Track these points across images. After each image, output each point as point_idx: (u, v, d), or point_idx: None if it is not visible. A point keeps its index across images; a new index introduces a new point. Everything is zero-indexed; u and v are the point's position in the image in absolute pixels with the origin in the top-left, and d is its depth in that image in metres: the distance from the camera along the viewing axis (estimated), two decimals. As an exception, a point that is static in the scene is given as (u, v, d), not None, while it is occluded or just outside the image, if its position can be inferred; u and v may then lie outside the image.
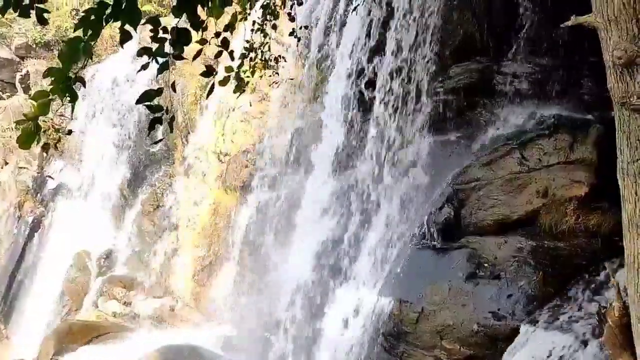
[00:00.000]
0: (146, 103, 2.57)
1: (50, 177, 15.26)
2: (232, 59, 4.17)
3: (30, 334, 13.52)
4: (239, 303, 10.75)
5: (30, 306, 14.50)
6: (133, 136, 14.43)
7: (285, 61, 7.32)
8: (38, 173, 15.79)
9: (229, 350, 10.31)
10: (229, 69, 4.22)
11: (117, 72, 14.75)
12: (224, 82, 3.82)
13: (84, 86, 2.36)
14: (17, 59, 16.98)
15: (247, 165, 11.49)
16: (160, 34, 2.57)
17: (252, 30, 6.33)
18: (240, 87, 4.84)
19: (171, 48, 2.55)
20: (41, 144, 2.39)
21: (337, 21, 9.24)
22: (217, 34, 3.80)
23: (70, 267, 13.96)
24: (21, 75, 16.63)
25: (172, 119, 2.93)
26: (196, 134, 12.85)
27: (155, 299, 12.67)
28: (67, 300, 13.57)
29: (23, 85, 16.53)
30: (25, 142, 2.19)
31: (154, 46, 2.58)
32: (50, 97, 2.18)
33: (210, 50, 3.93)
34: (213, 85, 3.55)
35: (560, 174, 5.74)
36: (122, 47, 2.37)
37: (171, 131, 2.95)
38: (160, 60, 2.68)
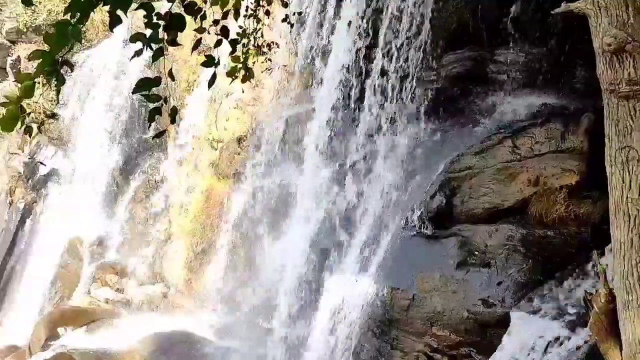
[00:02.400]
0: (143, 92, 2.52)
1: (41, 163, 15.16)
2: (234, 48, 4.10)
3: (22, 320, 13.52)
4: (231, 290, 10.78)
5: (22, 292, 14.49)
6: (125, 122, 14.35)
7: (278, 47, 7.29)
8: (29, 159, 15.70)
9: (222, 336, 10.35)
10: (236, 59, 4.16)
11: (109, 57, 14.63)
12: (231, 72, 3.77)
13: (72, 70, 2.33)
14: (8, 44, 16.81)
15: (240, 152, 11.46)
16: (154, 20, 2.52)
17: (245, 16, 6.28)
18: (249, 77, 4.78)
19: (165, 34, 2.51)
20: (24, 126, 2.35)
21: (331, 7, 9.18)
22: (216, 22, 3.74)
23: (63, 254, 13.94)
24: (12, 59, 16.48)
25: (174, 110, 2.89)
26: (189, 121, 12.80)
27: (147, 286, 12.69)
28: (59, 287, 13.57)
29: (14, 70, 16.37)
30: (7, 124, 2.15)
31: (148, 32, 2.54)
32: (35, 80, 2.15)
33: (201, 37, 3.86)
34: (214, 75, 3.49)
35: (551, 163, 5.76)
36: (111, 31, 2.34)
37: (172, 122, 2.91)
38: (154, 46, 2.63)
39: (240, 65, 4.85)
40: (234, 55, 4.46)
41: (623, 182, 2.94)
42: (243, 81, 5.10)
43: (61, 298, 13.40)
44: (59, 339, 10.81)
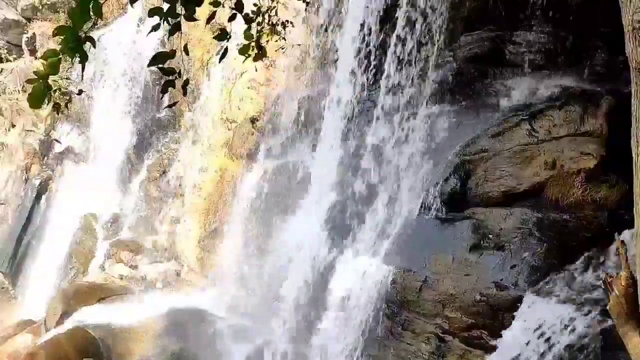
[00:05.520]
0: (158, 65, 2.52)
1: (57, 140, 15.29)
2: (248, 22, 4.05)
3: (37, 295, 13.73)
4: (243, 268, 10.86)
5: (37, 268, 14.71)
6: (139, 101, 14.38)
7: (293, 26, 7.22)
8: (45, 136, 15.83)
9: (234, 314, 10.46)
10: (249, 35, 4.11)
11: (124, 35, 14.62)
12: (244, 50, 3.72)
13: (94, 46, 2.32)
14: (24, 21, 16.84)
15: (253, 132, 11.45)
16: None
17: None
18: (261, 55, 4.70)
19: (182, 9, 2.49)
20: (52, 103, 2.36)
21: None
22: (231, -5, 3.68)
23: (77, 230, 14.10)
24: (27, 37, 16.52)
25: (186, 82, 2.89)
26: (202, 101, 12.80)
27: (161, 263, 12.83)
28: (74, 263, 13.76)
29: (29, 47, 16.43)
30: (35, 101, 2.17)
31: (165, 6, 2.52)
32: (60, 57, 2.15)
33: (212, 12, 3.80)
34: (226, 49, 3.46)
35: (569, 146, 5.69)
36: (132, 6, 2.33)
37: (184, 95, 2.90)
38: (170, 22, 2.61)
39: (252, 43, 4.78)
40: (246, 32, 4.40)
41: (650, 164, 2.86)
42: (255, 60, 5.04)
43: (76, 274, 13.59)
44: (74, 314, 10.98)
